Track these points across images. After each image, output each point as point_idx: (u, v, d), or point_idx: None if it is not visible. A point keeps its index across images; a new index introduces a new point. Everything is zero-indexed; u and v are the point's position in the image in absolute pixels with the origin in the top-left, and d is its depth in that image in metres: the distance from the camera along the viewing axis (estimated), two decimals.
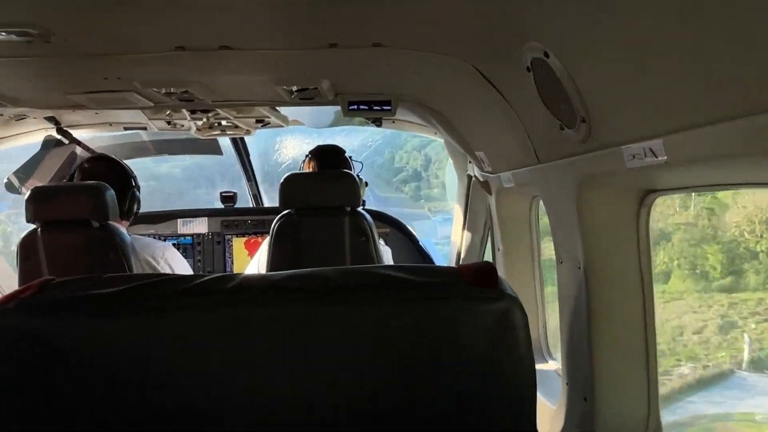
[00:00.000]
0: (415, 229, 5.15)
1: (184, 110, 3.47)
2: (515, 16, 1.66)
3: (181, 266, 3.46)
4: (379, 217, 4.92)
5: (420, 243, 5.13)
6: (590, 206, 1.95)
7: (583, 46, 1.52)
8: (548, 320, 3.14)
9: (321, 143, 3.99)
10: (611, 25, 1.38)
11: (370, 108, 3.05)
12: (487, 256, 3.88)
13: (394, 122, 4.04)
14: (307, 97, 2.94)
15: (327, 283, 1.25)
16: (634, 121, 1.53)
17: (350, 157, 3.94)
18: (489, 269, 1.28)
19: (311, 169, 3.81)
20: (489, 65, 2.04)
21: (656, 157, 1.47)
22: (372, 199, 5.16)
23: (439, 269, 1.32)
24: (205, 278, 1.27)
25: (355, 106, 3.07)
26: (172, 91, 2.82)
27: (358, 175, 3.73)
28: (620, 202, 1.97)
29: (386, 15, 1.83)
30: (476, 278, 1.26)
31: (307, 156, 3.91)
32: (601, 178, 1.84)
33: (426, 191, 15.07)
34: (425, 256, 5.09)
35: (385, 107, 3.03)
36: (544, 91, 1.82)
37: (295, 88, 2.85)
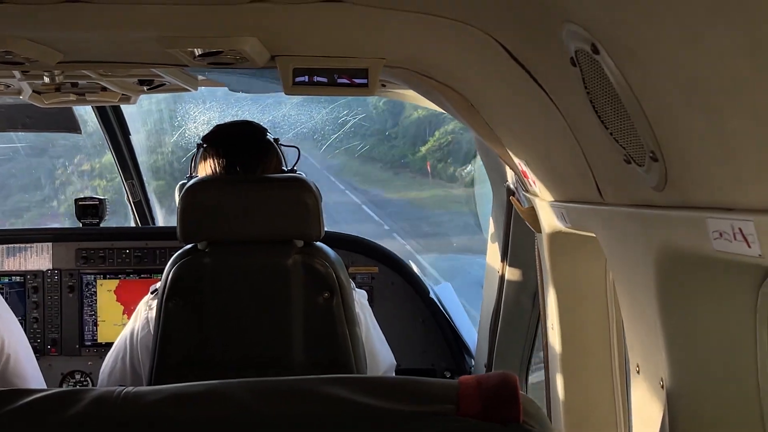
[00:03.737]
0: None
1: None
2: None
3: (22, 351, 2.11)
4: (352, 246, 3.41)
5: (434, 293, 3.46)
6: (678, 292, 1.34)
7: (651, 47, 1.01)
8: None
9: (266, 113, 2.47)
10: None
11: (332, 82, 1.79)
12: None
13: (385, 86, 2.55)
14: (220, 62, 1.69)
15: (238, 408, 0.94)
16: (721, 176, 1.04)
17: (277, 140, 2.42)
18: (506, 391, 0.92)
19: (212, 169, 2.29)
20: (517, 41, 1.48)
21: (748, 245, 0.98)
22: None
23: (428, 386, 0.95)
24: (29, 399, 0.95)
25: (305, 78, 1.81)
26: None
27: (295, 171, 2.33)
28: (726, 290, 1.31)
29: None
30: (484, 406, 0.89)
31: (200, 146, 2.33)
32: (692, 250, 1.26)
33: None
34: (441, 319, 3.37)
35: (357, 80, 1.79)
36: (597, 100, 1.30)
37: (198, 51, 1.64)
